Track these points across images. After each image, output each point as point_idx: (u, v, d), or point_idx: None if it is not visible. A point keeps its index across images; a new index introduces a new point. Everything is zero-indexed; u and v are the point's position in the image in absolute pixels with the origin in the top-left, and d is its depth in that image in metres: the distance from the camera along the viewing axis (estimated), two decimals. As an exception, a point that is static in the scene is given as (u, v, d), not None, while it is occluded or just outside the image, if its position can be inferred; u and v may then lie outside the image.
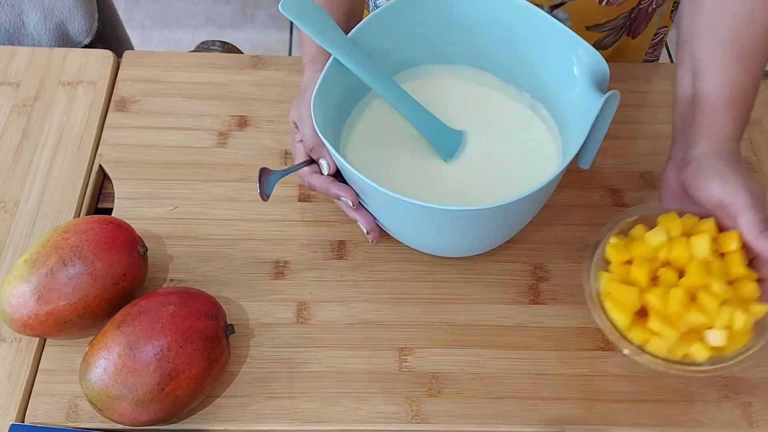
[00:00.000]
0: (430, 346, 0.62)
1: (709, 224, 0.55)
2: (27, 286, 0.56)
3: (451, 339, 0.63)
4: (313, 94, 0.58)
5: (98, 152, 0.72)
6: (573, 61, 0.60)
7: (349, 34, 0.61)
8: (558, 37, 0.60)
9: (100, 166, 0.71)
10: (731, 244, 0.54)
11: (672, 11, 0.86)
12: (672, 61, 1.81)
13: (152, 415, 0.54)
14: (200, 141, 0.73)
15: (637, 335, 0.54)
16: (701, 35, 0.59)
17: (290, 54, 1.84)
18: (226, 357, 0.58)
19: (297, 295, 0.64)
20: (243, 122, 0.74)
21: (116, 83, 0.76)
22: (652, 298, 0.54)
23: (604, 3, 0.72)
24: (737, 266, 0.54)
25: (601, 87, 0.58)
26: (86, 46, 0.88)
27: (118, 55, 0.79)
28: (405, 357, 0.62)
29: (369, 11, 0.86)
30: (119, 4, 1.08)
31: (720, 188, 0.54)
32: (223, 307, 0.59)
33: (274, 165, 0.72)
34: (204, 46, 0.94)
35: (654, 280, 0.55)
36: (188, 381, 0.54)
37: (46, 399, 0.59)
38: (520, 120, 0.67)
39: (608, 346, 0.62)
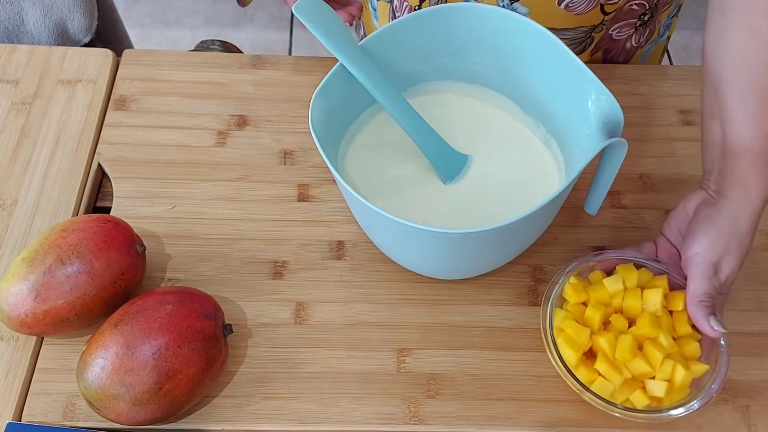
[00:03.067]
0: (428, 347, 0.62)
1: (662, 281, 0.59)
2: (24, 285, 0.56)
3: (449, 340, 0.63)
4: (314, 95, 0.58)
5: (97, 151, 0.72)
6: (588, 102, 0.59)
7: (360, 43, 0.61)
8: (578, 75, 0.60)
9: (99, 164, 0.71)
10: (679, 303, 0.58)
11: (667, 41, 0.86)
12: (671, 63, 1.81)
13: (149, 414, 0.54)
14: (199, 140, 0.73)
15: (583, 374, 0.57)
16: (728, 83, 0.56)
17: (290, 53, 1.84)
18: (224, 357, 0.57)
19: (295, 296, 0.64)
20: (242, 122, 0.74)
21: (115, 82, 0.76)
22: (602, 342, 0.57)
23: (563, 6, 0.71)
24: (683, 325, 0.57)
25: (613, 134, 0.57)
26: (86, 45, 0.88)
27: (118, 53, 0.79)
28: (403, 358, 0.62)
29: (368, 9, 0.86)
30: (119, 2, 1.08)
31: (702, 249, 0.56)
32: (222, 306, 0.59)
33: (274, 164, 0.72)
34: (204, 45, 0.93)
35: (605, 324, 0.59)
36: (186, 381, 0.54)
37: (43, 398, 0.59)
38: (530, 150, 0.66)
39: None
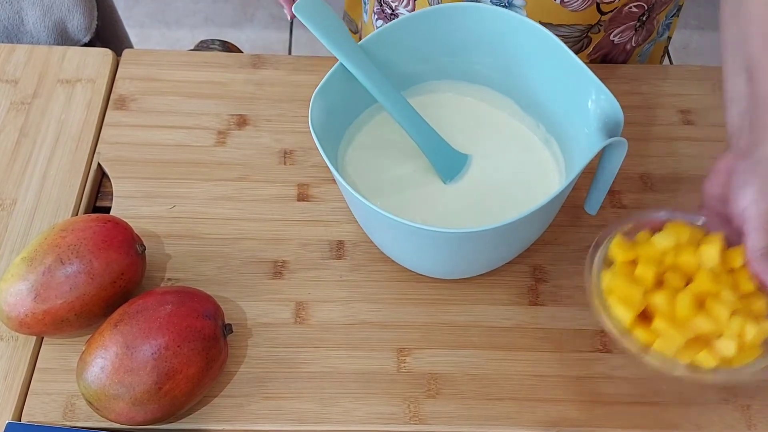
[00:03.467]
0: (428, 347, 0.62)
1: (717, 236, 0.54)
2: (24, 285, 0.56)
3: (449, 340, 0.62)
4: (314, 95, 0.58)
5: (97, 150, 0.72)
6: (588, 102, 0.59)
7: (359, 43, 0.61)
8: (577, 75, 0.59)
9: (99, 164, 0.71)
10: (738, 259, 0.53)
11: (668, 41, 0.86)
12: (671, 63, 1.81)
13: (149, 414, 0.54)
14: (199, 140, 0.73)
15: (640, 335, 0.53)
16: (754, 37, 0.55)
17: (290, 53, 1.84)
18: (224, 357, 0.57)
19: (295, 295, 0.64)
20: (242, 121, 0.74)
21: (115, 81, 0.76)
22: (659, 299, 0.53)
23: (557, 0, 0.71)
24: (745, 282, 0.53)
25: (613, 134, 0.57)
26: (85, 45, 0.88)
27: (118, 53, 0.79)
28: (403, 358, 0.61)
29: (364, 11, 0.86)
30: (119, 2, 1.07)
31: (751, 200, 0.52)
32: (222, 306, 0.59)
33: (274, 164, 0.72)
34: (203, 45, 0.93)
35: (659, 284, 0.54)
36: (186, 381, 0.54)
37: (42, 398, 0.58)
38: (530, 150, 0.66)
39: (606, 348, 0.62)
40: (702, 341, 0.52)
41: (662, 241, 0.55)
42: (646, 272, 0.54)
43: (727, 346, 0.51)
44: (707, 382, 0.52)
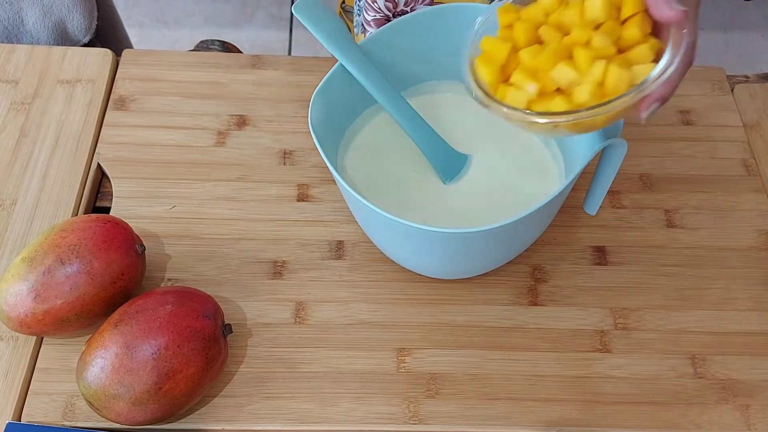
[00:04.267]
0: (428, 347, 0.62)
1: None
2: (24, 285, 0.56)
3: (449, 340, 0.63)
4: (314, 95, 0.58)
5: (96, 151, 0.72)
6: None
7: (359, 43, 0.61)
8: None
9: (99, 164, 0.71)
10: (631, 5, 0.47)
11: None
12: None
13: (149, 414, 0.54)
14: (199, 140, 0.73)
15: (501, 92, 0.49)
16: None
17: (290, 53, 1.84)
18: (224, 357, 0.57)
19: (295, 295, 0.64)
20: (242, 121, 0.74)
21: (115, 82, 0.76)
22: (524, 54, 0.48)
23: None
24: (632, 28, 0.47)
25: (613, 134, 0.57)
26: (85, 45, 0.88)
27: (117, 53, 0.79)
28: (403, 358, 0.62)
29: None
30: (118, 2, 1.07)
31: None
32: (222, 306, 0.59)
33: (274, 164, 0.72)
34: (203, 45, 0.93)
35: (538, 43, 0.50)
36: (186, 380, 0.54)
37: (42, 398, 0.58)
38: (530, 150, 0.65)
39: (606, 348, 0.62)
40: (564, 93, 0.48)
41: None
42: (519, 32, 0.49)
43: (581, 91, 0.46)
44: (556, 126, 0.47)
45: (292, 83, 0.77)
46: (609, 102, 0.46)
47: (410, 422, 0.59)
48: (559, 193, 0.54)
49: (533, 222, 0.59)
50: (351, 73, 0.60)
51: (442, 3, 0.69)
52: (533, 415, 0.59)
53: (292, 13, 0.61)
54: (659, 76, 0.46)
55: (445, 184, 0.64)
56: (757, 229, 0.69)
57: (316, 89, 0.59)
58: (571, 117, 0.47)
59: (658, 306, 0.65)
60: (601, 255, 0.67)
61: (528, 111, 0.48)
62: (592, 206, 0.63)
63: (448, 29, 0.64)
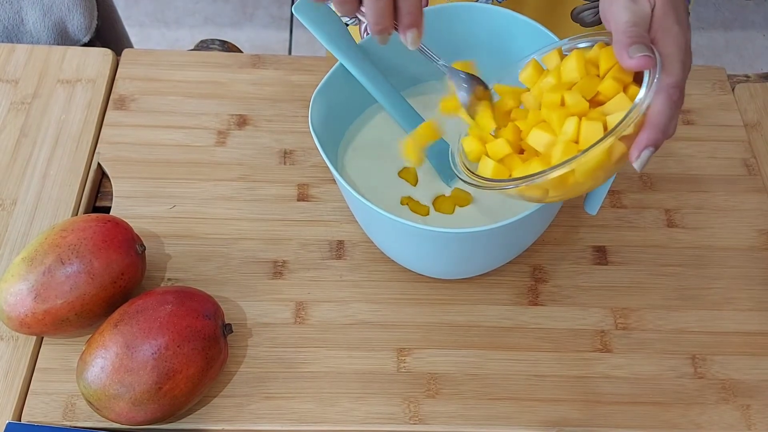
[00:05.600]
0: (428, 346, 0.62)
1: (577, 51, 0.50)
2: (24, 285, 0.56)
3: (449, 340, 0.62)
4: (314, 95, 0.58)
5: (96, 150, 0.72)
6: None
7: (359, 43, 0.61)
8: None
9: (99, 164, 0.71)
10: (607, 60, 0.48)
11: None
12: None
13: (149, 414, 0.54)
14: (199, 140, 0.73)
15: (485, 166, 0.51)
16: None
17: (290, 53, 1.84)
18: (224, 357, 0.57)
19: (295, 295, 0.64)
20: (242, 121, 0.74)
21: (115, 81, 0.76)
22: (505, 133, 0.51)
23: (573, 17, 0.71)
24: (608, 80, 0.47)
25: None
26: (85, 44, 0.88)
27: (117, 53, 0.79)
28: (403, 358, 0.61)
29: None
30: (118, 2, 1.07)
31: (622, 6, 0.48)
32: (222, 306, 0.59)
33: (274, 164, 0.72)
34: (203, 45, 0.93)
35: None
36: (186, 380, 0.54)
37: (42, 398, 0.58)
38: None
39: (606, 348, 0.62)
40: (545, 157, 0.48)
41: (524, 74, 0.52)
42: (504, 102, 0.52)
43: (555, 151, 0.47)
44: (533, 192, 0.48)
45: (292, 83, 0.77)
46: (581, 153, 0.45)
47: (410, 422, 0.59)
48: None
49: (534, 222, 0.59)
50: (351, 73, 0.60)
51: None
52: (533, 415, 0.59)
53: (292, 13, 0.61)
54: (630, 117, 0.45)
55: (445, 184, 0.64)
56: (757, 228, 0.69)
57: (317, 89, 0.59)
58: (538, 178, 0.46)
59: (658, 306, 0.65)
60: (601, 255, 0.67)
61: (493, 180, 0.48)
62: (593, 206, 0.62)
63: (449, 29, 0.64)
